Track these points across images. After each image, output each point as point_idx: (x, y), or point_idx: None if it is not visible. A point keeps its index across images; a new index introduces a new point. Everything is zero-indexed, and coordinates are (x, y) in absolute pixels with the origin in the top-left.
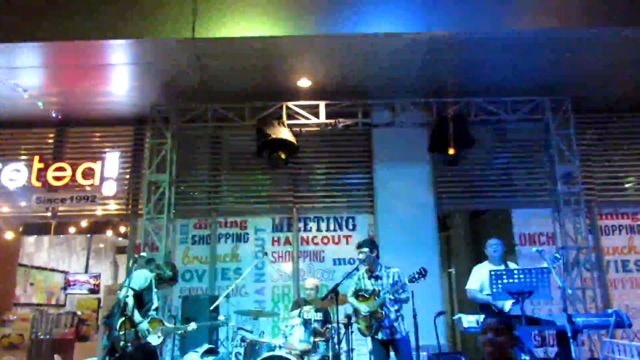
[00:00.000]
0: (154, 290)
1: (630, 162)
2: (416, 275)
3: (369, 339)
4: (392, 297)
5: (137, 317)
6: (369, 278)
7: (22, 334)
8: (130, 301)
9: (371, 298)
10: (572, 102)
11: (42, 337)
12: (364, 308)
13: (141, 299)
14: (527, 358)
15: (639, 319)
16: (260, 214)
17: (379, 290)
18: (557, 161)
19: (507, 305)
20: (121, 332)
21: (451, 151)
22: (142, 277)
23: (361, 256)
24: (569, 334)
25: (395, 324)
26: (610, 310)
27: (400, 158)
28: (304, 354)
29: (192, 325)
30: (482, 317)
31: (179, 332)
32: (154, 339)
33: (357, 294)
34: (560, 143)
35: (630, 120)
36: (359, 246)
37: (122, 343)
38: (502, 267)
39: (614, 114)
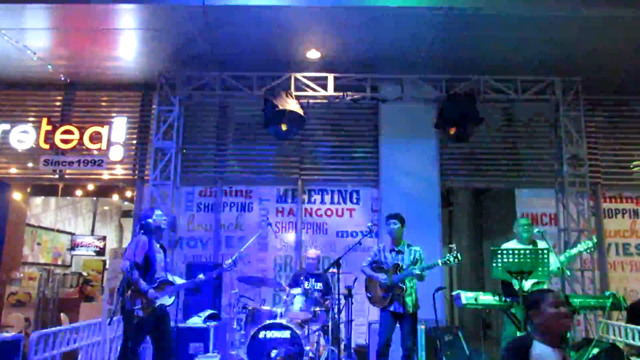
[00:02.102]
0: (156, 250)
1: (638, 146)
2: (451, 259)
3: (373, 309)
4: (419, 273)
5: (143, 286)
6: (390, 251)
7: (29, 292)
8: (135, 273)
9: (391, 271)
10: (583, 83)
11: (48, 296)
12: (383, 278)
13: (141, 266)
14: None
15: None
16: (265, 184)
17: (401, 266)
18: (565, 143)
19: (527, 284)
20: (135, 301)
21: (452, 131)
22: (135, 244)
23: (392, 227)
24: None
25: (409, 299)
26: (607, 293)
27: (407, 133)
28: (304, 323)
29: (200, 277)
30: (480, 294)
31: (190, 287)
32: (165, 300)
33: (374, 265)
34: (568, 124)
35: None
36: (391, 217)
37: (136, 312)
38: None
39: (623, 96)
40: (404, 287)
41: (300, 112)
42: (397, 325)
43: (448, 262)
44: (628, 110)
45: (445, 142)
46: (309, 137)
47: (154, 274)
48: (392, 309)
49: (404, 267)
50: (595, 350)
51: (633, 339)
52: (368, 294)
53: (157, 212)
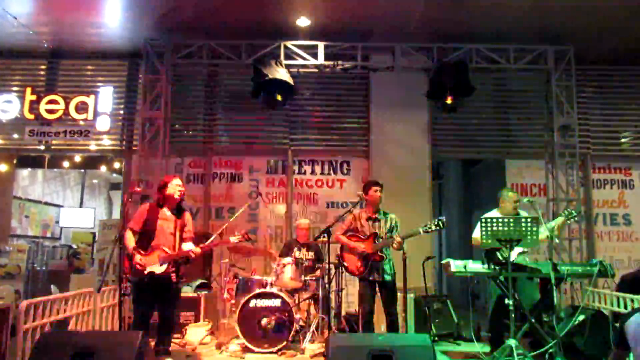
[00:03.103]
0: (162, 217)
1: (628, 117)
2: (432, 227)
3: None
4: (400, 240)
5: (129, 250)
6: (367, 220)
7: (18, 265)
8: (128, 239)
9: (369, 240)
10: (575, 53)
11: (38, 268)
12: (361, 248)
13: (137, 232)
14: (511, 302)
15: (622, 270)
16: (255, 155)
17: (379, 234)
18: (556, 113)
19: (513, 254)
20: (126, 266)
21: (449, 100)
22: (137, 211)
23: (378, 194)
24: (553, 281)
25: (387, 267)
26: (594, 260)
27: (398, 103)
28: (294, 292)
29: (196, 249)
30: (469, 262)
31: (178, 257)
32: (155, 268)
33: (349, 234)
34: (560, 94)
35: (631, 74)
36: (376, 184)
37: (129, 276)
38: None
39: (615, 66)
40: (383, 255)
41: (290, 81)
42: (378, 293)
43: (429, 229)
44: (619, 81)
45: (437, 113)
46: (299, 107)
47: (151, 241)
48: (371, 278)
49: (382, 235)
50: (581, 317)
51: (619, 306)
52: (344, 263)
53: (174, 181)
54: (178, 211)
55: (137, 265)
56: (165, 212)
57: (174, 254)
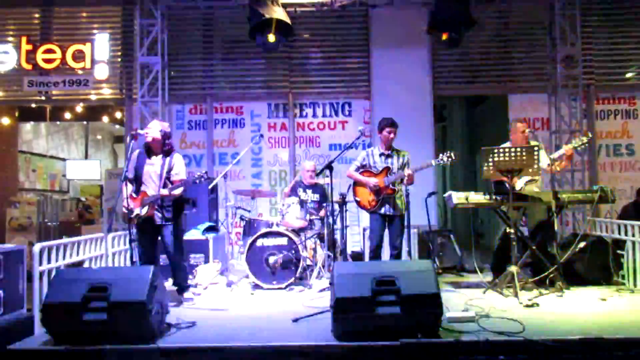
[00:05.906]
0: (147, 163)
1: (633, 45)
2: (445, 159)
3: (364, 214)
4: (411, 172)
5: (122, 197)
6: (380, 155)
7: (30, 217)
8: (122, 187)
9: (381, 174)
10: None
11: (49, 220)
12: (373, 182)
13: (131, 179)
14: (512, 230)
15: (623, 200)
16: (256, 99)
17: (391, 169)
18: (559, 43)
19: (520, 183)
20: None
21: (444, 36)
22: (130, 160)
23: (391, 136)
24: (554, 209)
25: (399, 202)
26: (595, 187)
27: (398, 41)
28: (300, 231)
29: (163, 191)
30: (471, 193)
31: (153, 200)
32: (140, 210)
33: (361, 170)
34: (563, 23)
35: (637, 1)
36: (393, 125)
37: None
38: None
39: None
40: (395, 189)
41: (288, 20)
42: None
43: (442, 161)
44: (624, 9)
45: (438, 49)
46: (298, 48)
47: (140, 186)
48: (382, 211)
49: (394, 170)
50: (582, 244)
51: (619, 233)
52: (356, 199)
53: (150, 124)
54: (165, 155)
55: (124, 209)
56: (151, 157)
57: (151, 196)
